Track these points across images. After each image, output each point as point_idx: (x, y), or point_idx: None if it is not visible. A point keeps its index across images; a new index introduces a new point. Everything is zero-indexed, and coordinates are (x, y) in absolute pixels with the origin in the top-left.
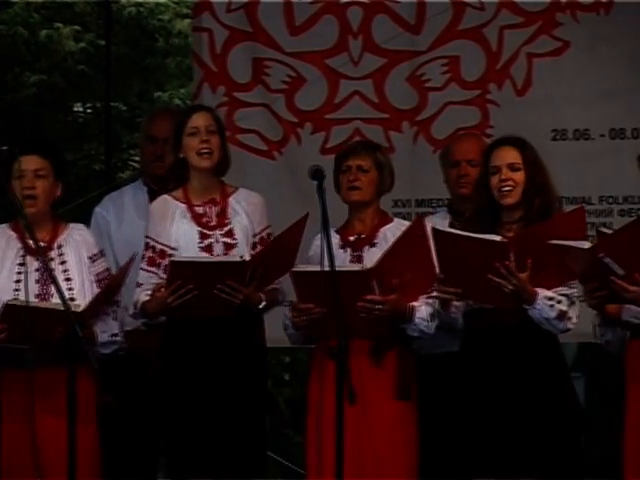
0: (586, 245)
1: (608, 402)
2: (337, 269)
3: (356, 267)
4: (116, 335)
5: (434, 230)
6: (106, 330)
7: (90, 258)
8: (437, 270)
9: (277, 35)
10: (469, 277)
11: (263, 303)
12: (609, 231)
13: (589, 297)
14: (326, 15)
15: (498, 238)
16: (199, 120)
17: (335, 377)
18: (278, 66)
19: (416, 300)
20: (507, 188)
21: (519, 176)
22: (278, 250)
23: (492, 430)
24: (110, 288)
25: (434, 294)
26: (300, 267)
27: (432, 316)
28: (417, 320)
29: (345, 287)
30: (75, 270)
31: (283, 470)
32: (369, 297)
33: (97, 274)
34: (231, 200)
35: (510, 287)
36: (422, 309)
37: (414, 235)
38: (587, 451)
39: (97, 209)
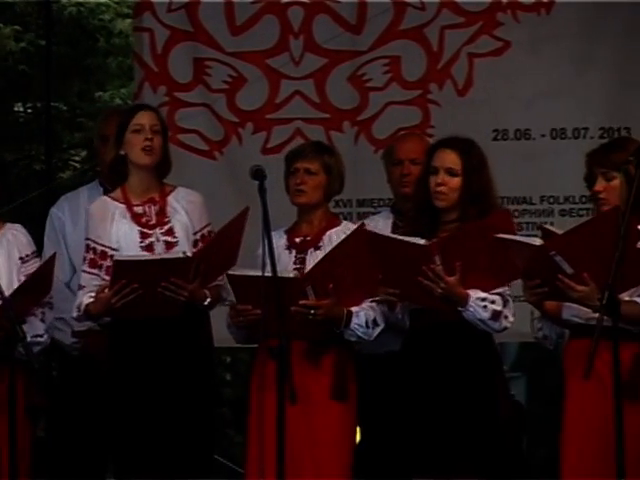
0: (537, 242)
1: (549, 402)
2: (270, 275)
3: (290, 274)
4: (40, 336)
5: (367, 232)
6: (29, 331)
7: (21, 259)
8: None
9: (218, 35)
10: (404, 279)
11: (208, 299)
12: (554, 229)
13: (530, 293)
14: (267, 15)
15: (422, 241)
16: (144, 118)
17: (276, 377)
18: (219, 66)
19: (358, 305)
20: (440, 195)
21: (455, 182)
22: (220, 246)
23: (431, 429)
24: (30, 282)
25: (378, 298)
26: (236, 271)
27: (373, 322)
28: (354, 326)
29: (281, 291)
30: (3, 270)
31: (224, 470)
32: (302, 302)
33: (28, 275)
34: (170, 199)
35: (439, 290)
36: (361, 315)
37: (355, 240)
38: (529, 451)
39: (53, 210)
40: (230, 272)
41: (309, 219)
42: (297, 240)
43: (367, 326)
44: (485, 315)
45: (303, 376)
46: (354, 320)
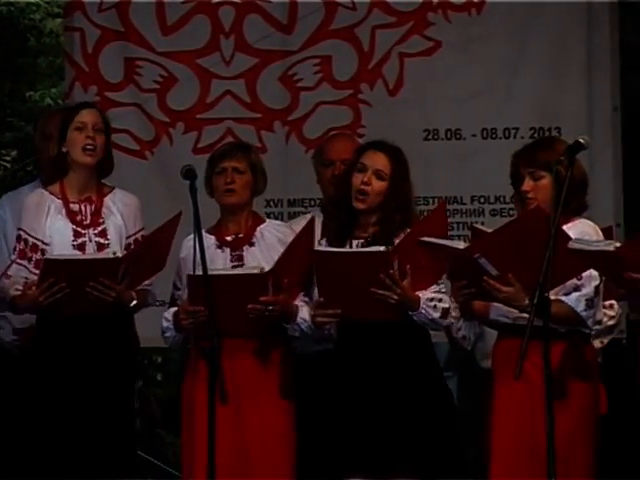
0: (461, 245)
1: (480, 401)
2: (232, 273)
3: (255, 270)
4: None
5: (315, 252)
6: None
7: None
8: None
9: (149, 35)
10: (351, 295)
11: (134, 302)
12: (484, 228)
13: (457, 294)
14: (198, 15)
15: (382, 248)
16: (87, 116)
17: (208, 377)
18: (150, 66)
19: (295, 299)
20: (361, 194)
21: (381, 186)
22: (150, 249)
23: (366, 428)
24: None
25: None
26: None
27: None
28: (299, 320)
29: (240, 289)
30: None
31: (155, 470)
32: (263, 299)
33: None
34: (107, 200)
35: (395, 297)
36: (304, 309)
37: (307, 234)
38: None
39: None
40: (190, 273)
41: (236, 218)
42: (228, 238)
43: (309, 320)
44: (436, 315)
45: (247, 375)
46: (299, 314)
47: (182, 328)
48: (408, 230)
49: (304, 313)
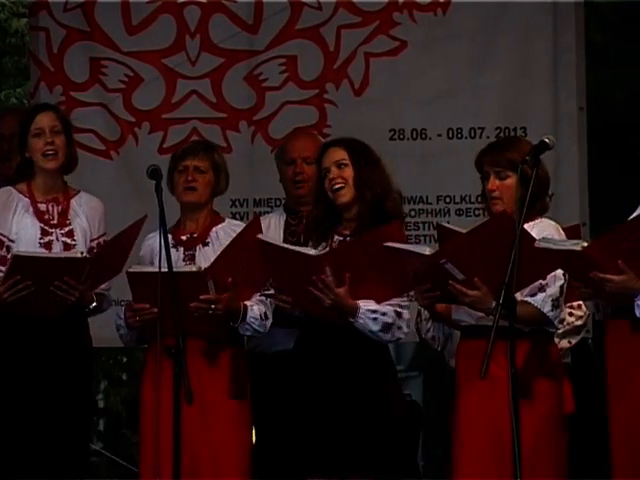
0: (427, 251)
1: (445, 401)
2: (173, 270)
3: (193, 268)
4: None
5: (258, 240)
6: None
7: None
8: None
9: (114, 34)
10: (296, 288)
11: (94, 304)
12: (451, 226)
13: (421, 297)
14: (163, 14)
15: (313, 252)
16: (43, 121)
17: (173, 376)
18: (115, 65)
19: (249, 299)
20: (337, 186)
21: (347, 172)
22: (114, 251)
23: (323, 429)
24: None
25: (268, 292)
26: (136, 268)
27: (265, 315)
28: (250, 319)
29: (182, 287)
30: None
31: (120, 470)
32: (204, 297)
33: None
34: (73, 202)
35: (328, 301)
36: (255, 308)
37: (249, 234)
38: (426, 451)
39: None
40: (130, 270)
41: (194, 217)
42: (183, 238)
43: (261, 319)
44: (375, 327)
45: (199, 375)
46: (249, 314)
47: (131, 325)
48: (396, 221)
49: (255, 312)
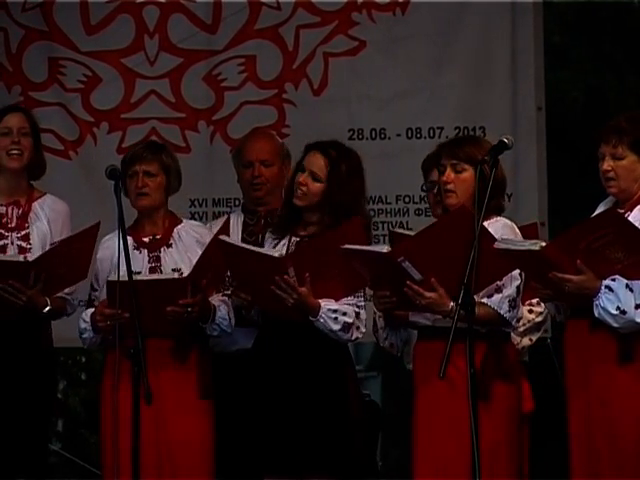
0: (385, 249)
1: (404, 402)
2: (153, 278)
3: (175, 274)
4: None
5: (218, 240)
6: None
7: None
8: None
9: (73, 34)
10: (257, 287)
11: (48, 307)
12: (405, 232)
13: (379, 302)
14: (122, 14)
15: (277, 254)
16: (12, 121)
17: (132, 377)
18: (74, 65)
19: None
20: (299, 192)
21: (317, 187)
22: (64, 255)
23: (282, 429)
24: None
25: (228, 292)
26: (113, 277)
27: (230, 314)
28: (218, 320)
29: (162, 293)
30: None
31: (79, 470)
32: (182, 301)
33: None
34: (35, 205)
35: (291, 301)
36: (222, 308)
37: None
38: (384, 451)
39: None
40: (110, 279)
41: (152, 219)
42: (145, 240)
43: (229, 319)
44: (335, 327)
45: (165, 375)
46: (218, 314)
47: (99, 329)
48: (356, 217)
49: (223, 312)
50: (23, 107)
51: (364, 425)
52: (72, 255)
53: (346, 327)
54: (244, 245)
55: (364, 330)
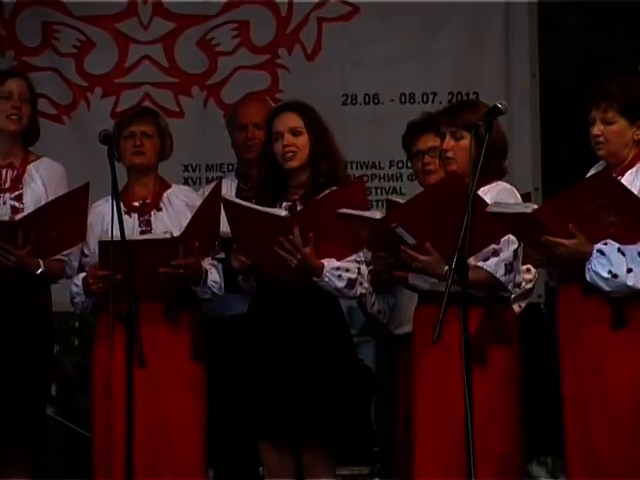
0: (378, 215)
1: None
2: (145, 238)
3: (167, 235)
4: None
5: (224, 200)
6: None
7: None
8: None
9: None
10: (260, 248)
11: (41, 269)
12: (399, 200)
13: (377, 263)
14: None
15: (283, 213)
16: (13, 85)
17: (125, 341)
18: (68, 30)
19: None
20: (290, 154)
21: (302, 140)
22: (55, 216)
23: (277, 392)
24: None
25: (219, 256)
26: (108, 237)
27: (220, 278)
28: (210, 283)
29: (155, 254)
30: None
31: (72, 435)
32: (175, 262)
33: None
34: (30, 167)
35: (295, 262)
36: (213, 271)
37: (213, 198)
38: (377, 416)
39: None
40: (102, 239)
41: (143, 182)
42: (135, 204)
43: (220, 282)
44: (340, 284)
45: (157, 337)
46: (209, 277)
47: (91, 293)
48: (334, 188)
49: (214, 276)
50: (23, 73)
51: (360, 390)
52: (64, 216)
53: (350, 283)
54: (250, 205)
55: (367, 285)
